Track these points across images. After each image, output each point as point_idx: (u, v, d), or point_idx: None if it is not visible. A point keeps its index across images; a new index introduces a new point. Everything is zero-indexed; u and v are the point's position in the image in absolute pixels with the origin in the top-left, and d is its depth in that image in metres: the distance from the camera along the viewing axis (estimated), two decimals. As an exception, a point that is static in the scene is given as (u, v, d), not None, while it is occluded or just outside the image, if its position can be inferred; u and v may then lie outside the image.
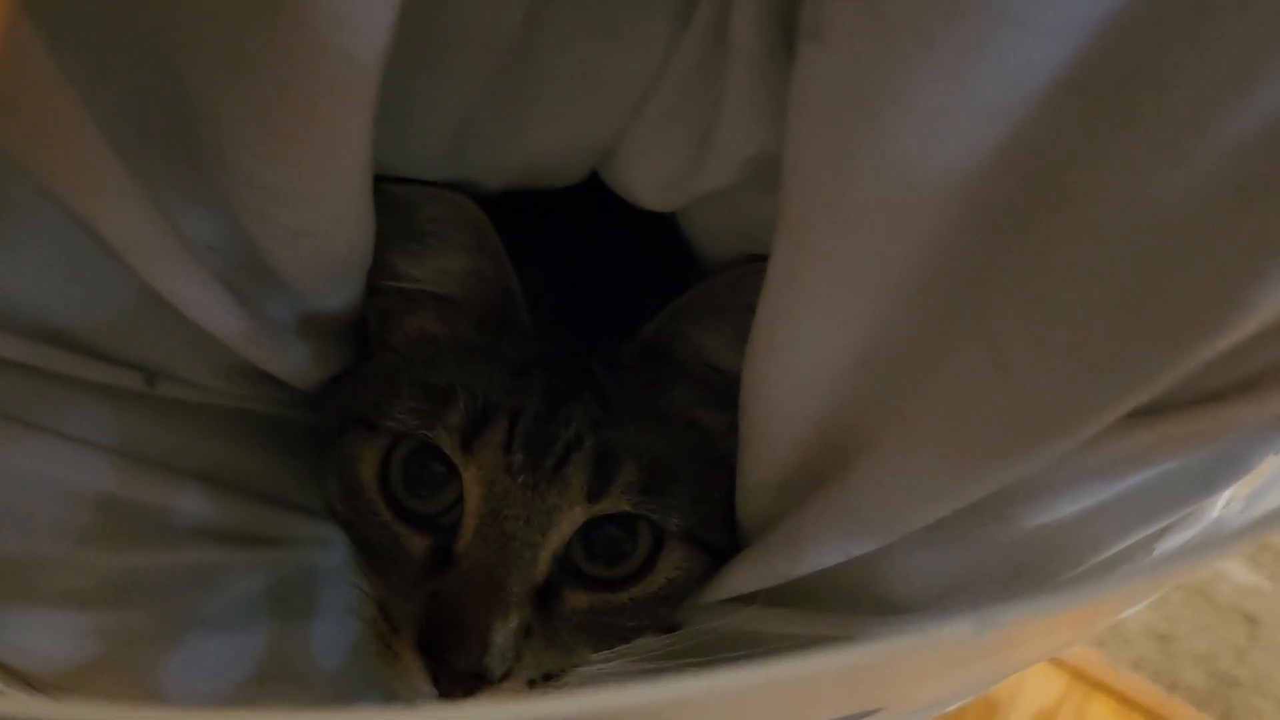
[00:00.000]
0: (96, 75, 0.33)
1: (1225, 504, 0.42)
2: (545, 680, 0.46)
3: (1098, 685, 1.48)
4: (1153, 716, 1.46)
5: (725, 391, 0.48)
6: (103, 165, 0.32)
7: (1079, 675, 1.49)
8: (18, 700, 0.42)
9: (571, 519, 0.45)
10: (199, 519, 0.49)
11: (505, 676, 0.44)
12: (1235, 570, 1.58)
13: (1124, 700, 1.47)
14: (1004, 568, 0.36)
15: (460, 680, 0.44)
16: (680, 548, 0.48)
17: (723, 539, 0.49)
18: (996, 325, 0.29)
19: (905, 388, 0.33)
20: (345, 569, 0.54)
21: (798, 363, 0.35)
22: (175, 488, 0.47)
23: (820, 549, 0.37)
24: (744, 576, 0.44)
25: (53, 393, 0.43)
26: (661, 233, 0.51)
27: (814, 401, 0.36)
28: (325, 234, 0.38)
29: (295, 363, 0.47)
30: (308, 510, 0.55)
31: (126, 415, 0.46)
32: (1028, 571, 0.36)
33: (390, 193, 0.42)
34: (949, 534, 0.35)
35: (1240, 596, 1.57)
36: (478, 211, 0.45)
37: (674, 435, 0.48)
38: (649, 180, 0.43)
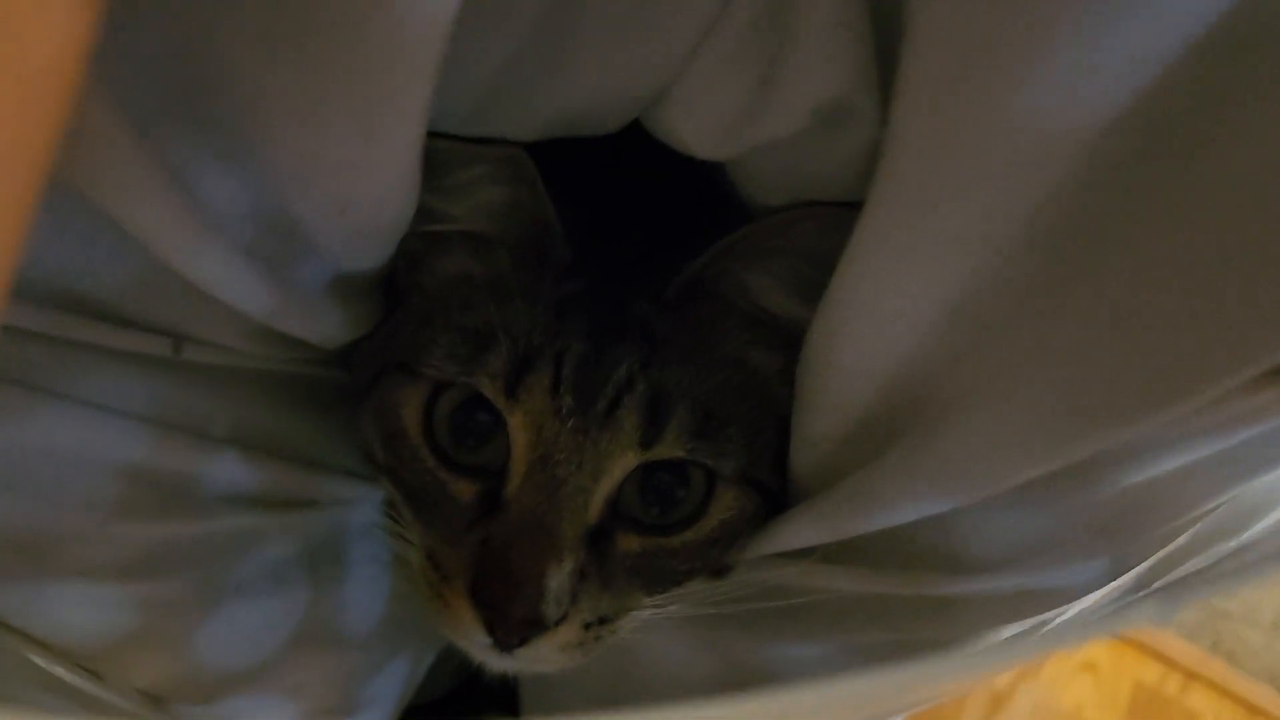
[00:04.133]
0: (105, 39, 0.30)
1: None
2: (600, 623, 0.45)
3: (1094, 620, 1.51)
4: (1146, 649, 1.49)
5: (777, 334, 0.46)
6: (113, 146, 0.29)
7: (1075, 612, 1.51)
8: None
9: (624, 464, 0.44)
10: (232, 485, 0.47)
11: (561, 621, 0.43)
12: (1228, 505, 1.61)
13: (1118, 635, 1.50)
14: (1089, 528, 0.35)
15: (516, 629, 0.43)
16: (733, 489, 0.46)
17: (775, 481, 0.48)
18: (1116, 280, 0.27)
19: (999, 344, 0.32)
20: (374, 527, 0.53)
21: (881, 319, 0.33)
22: (208, 455, 0.46)
23: (895, 507, 0.36)
24: (804, 531, 0.43)
25: (78, 361, 0.41)
26: (705, 177, 0.49)
27: (893, 357, 0.35)
28: (372, 205, 0.36)
29: (327, 327, 0.45)
30: (338, 469, 0.53)
31: (154, 382, 0.44)
32: (1110, 531, 0.35)
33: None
34: (1039, 494, 0.34)
35: (1233, 531, 1.60)
36: (512, 145, 0.42)
37: (725, 376, 0.46)
38: (702, 129, 0.41)
